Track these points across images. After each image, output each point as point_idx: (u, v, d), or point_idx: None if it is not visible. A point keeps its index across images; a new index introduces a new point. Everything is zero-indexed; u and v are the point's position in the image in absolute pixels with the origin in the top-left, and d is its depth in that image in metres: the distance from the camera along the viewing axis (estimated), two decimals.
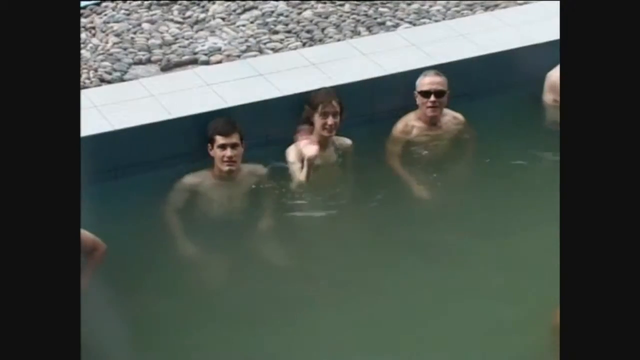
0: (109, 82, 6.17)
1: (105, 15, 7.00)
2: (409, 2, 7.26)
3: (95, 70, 6.29)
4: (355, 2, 7.24)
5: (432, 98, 5.84)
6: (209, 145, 5.48)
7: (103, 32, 6.80)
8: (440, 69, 6.00)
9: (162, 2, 7.19)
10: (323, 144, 5.70)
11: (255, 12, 7.04)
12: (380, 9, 7.12)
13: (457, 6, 7.18)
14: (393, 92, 6.07)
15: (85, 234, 4.99)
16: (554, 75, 6.23)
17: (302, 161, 5.75)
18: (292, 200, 5.73)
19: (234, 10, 7.08)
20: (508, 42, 6.52)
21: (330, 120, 5.61)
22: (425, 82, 5.89)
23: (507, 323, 4.88)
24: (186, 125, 5.65)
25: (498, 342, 4.83)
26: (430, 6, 7.19)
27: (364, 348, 4.88)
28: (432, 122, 5.98)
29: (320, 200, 5.79)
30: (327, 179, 5.84)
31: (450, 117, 6.08)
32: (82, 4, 7.06)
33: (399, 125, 5.98)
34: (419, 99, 5.88)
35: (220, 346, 4.94)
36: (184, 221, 5.60)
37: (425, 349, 4.88)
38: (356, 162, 5.93)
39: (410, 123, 5.98)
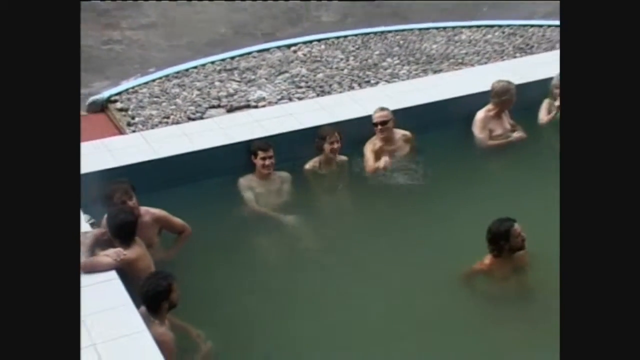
0: (193, 119, 7.27)
1: (191, 77, 8.22)
2: (385, 67, 8.37)
3: (185, 112, 7.40)
4: (351, 67, 8.10)
5: (379, 126, 6.80)
6: (253, 156, 6.45)
7: (189, 87, 7.99)
8: (404, 111, 6.93)
9: (227, 68, 8.35)
10: (329, 161, 6.73)
11: (287, 75, 8.21)
12: (367, 72, 8.25)
13: (416, 70, 8.30)
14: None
15: (175, 219, 5.85)
16: (477, 117, 7.18)
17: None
18: (307, 197, 6.67)
19: (273, 74, 8.23)
20: (449, 94, 7.48)
21: (335, 145, 6.65)
22: (375, 116, 6.85)
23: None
24: (242, 147, 6.61)
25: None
26: (399, 70, 8.29)
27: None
28: (387, 140, 6.84)
29: (326, 196, 6.80)
30: (330, 183, 6.80)
31: (400, 135, 6.94)
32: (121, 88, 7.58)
33: (368, 145, 6.91)
34: None
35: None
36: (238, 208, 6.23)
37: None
38: (350, 171, 6.88)
39: (376, 143, 6.90)
